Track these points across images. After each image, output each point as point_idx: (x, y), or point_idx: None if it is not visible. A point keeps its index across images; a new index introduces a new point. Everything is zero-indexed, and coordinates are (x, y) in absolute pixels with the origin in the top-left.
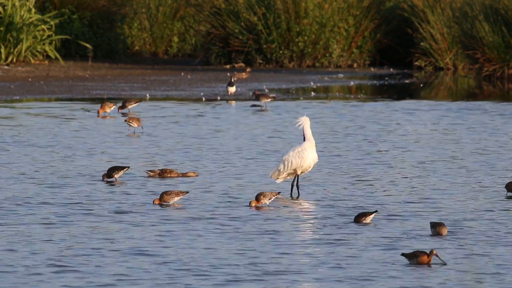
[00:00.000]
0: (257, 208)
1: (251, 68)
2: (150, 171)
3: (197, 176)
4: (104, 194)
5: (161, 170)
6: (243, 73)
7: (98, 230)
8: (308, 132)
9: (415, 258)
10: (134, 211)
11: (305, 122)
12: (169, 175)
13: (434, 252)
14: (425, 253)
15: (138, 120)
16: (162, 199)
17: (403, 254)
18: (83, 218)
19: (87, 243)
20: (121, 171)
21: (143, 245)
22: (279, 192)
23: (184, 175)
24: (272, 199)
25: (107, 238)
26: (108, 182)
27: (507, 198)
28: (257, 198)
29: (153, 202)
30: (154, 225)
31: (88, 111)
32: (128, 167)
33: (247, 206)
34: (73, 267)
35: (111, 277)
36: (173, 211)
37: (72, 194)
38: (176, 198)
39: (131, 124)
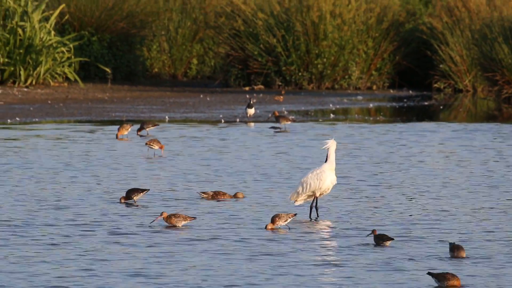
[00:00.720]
0: (274, 230)
1: (270, 89)
2: (203, 192)
3: (244, 197)
4: (117, 215)
5: (214, 192)
6: (280, 96)
7: (102, 251)
8: (332, 155)
9: (445, 280)
10: (139, 232)
11: (332, 145)
12: (222, 197)
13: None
14: (456, 276)
15: (158, 142)
16: (169, 221)
17: (430, 273)
18: (88, 239)
19: (89, 263)
20: (141, 193)
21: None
22: (296, 214)
23: (235, 196)
24: (288, 220)
25: (112, 259)
26: (126, 203)
27: None
28: (273, 221)
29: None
30: (172, 246)
31: (105, 133)
32: (148, 189)
33: (263, 229)
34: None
35: None
36: (190, 233)
37: (85, 216)
38: (184, 222)
39: (152, 146)
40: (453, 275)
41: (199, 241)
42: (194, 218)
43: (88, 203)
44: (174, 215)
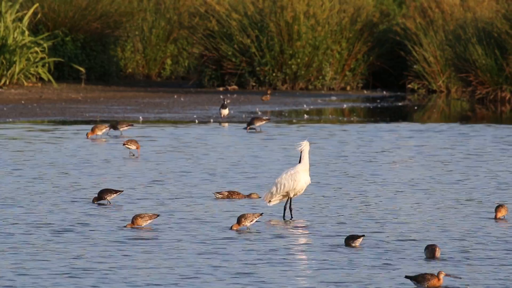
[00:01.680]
0: (239, 231)
1: (244, 89)
2: (218, 193)
3: (259, 197)
4: (88, 216)
5: (229, 192)
6: (267, 96)
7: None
8: (306, 156)
9: (425, 281)
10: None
11: (305, 146)
12: (236, 197)
13: (443, 273)
14: (435, 275)
15: (136, 142)
16: (135, 223)
17: (408, 277)
18: (55, 239)
19: (57, 264)
20: (114, 194)
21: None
22: (262, 213)
23: (248, 196)
24: (253, 221)
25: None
26: (99, 204)
27: (496, 221)
28: (239, 221)
29: (126, 226)
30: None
31: (78, 133)
32: (122, 191)
33: (229, 229)
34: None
35: None
36: (163, 234)
37: (57, 217)
38: (149, 221)
39: (129, 147)
40: (432, 275)
41: (164, 243)
42: (158, 215)
43: (58, 203)
44: (139, 215)
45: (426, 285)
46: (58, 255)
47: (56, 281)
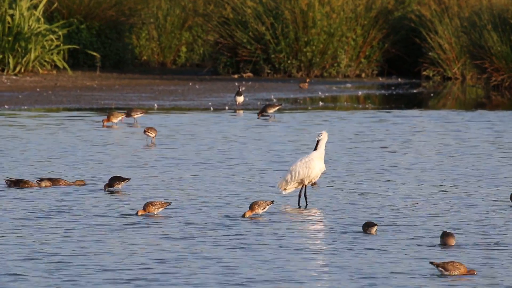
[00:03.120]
0: (253, 218)
1: (259, 77)
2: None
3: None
4: (101, 203)
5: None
6: (305, 83)
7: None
8: (322, 145)
9: (450, 269)
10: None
11: (324, 137)
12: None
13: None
14: (461, 264)
15: (155, 130)
16: (147, 210)
17: (432, 263)
18: (70, 225)
19: (71, 249)
20: (122, 182)
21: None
22: (273, 201)
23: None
24: (266, 208)
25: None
26: (108, 191)
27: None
28: (251, 208)
29: (137, 213)
30: (155, 231)
31: (94, 121)
32: (129, 179)
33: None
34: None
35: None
36: (175, 222)
37: (69, 203)
38: (161, 209)
39: (149, 134)
40: (460, 263)
41: (177, 231)
42: (170, 203)
43: (69, 192)
44: (151, 203)
45: (451, 273)
46: (67, 239)
47: (74, 263)
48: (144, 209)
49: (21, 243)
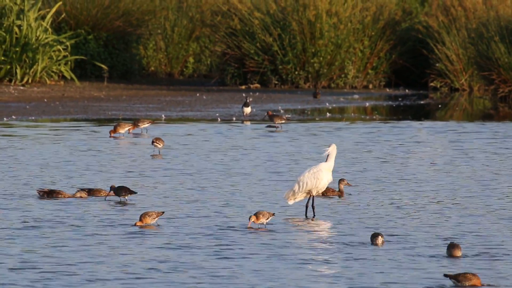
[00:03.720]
0: (257, 228)
1: (266, 88)
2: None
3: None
4: (102, 212)
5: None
6: (318, 94)
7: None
8: (333, 158)
9: (465, 280)
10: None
11: (333, 150)
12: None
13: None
14: (476, 275)
15: (163, 141)
16: (144, 221)
17: (447, 276)
18: (68, 236)
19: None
20: (129, 194)
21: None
22: (274, 214)
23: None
24: (269, 219)
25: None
26: (114, 201)
27: None
28: (257, 216)
29: (135, 224)
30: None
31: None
32: (136, 192)
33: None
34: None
35: None
36: (178, 231)
37: (70, 214)
38: (157, 218)
39: (157, 144)
40: (474, 274)
41: (184, 241)
42: (163, 212)
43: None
44: (147, 213)
45: (467, 284)
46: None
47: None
48: (140, 220)
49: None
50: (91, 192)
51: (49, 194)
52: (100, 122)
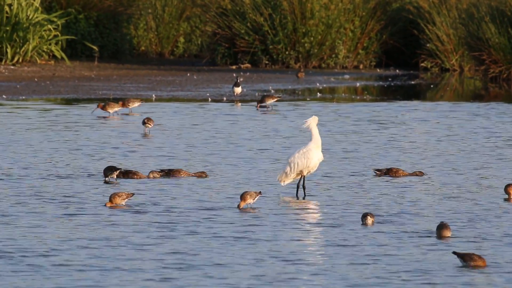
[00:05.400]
0: (245, 209)
1: (256, 68)
2: (377, 170)
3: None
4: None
5: (388, 169)
6: (302, 73)
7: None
8: (315, 132)
9: (471, 260)
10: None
11: (313, 122)
12: (395, 175)
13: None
14: (482, 257)
15: (153, 121)
16: (113, 201)
17: (455, 253)
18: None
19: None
20: (115, 172)
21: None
22: (261, 192)
23: (411, 174)
24: (256, 199)
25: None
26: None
27: (505, 200)
28: (244, 198)
29: (106, 205)
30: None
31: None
32: (120, 169)
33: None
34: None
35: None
36: (174, 211)
37: (60, 192)
38: (126, 199)
39: (148, 125)
40: (479, 256)
41: (174, 223)
42: (133, 194)
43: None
44: (116, 194)
45: (471, 264)
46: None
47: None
48: (110, 200)
49: None
50: (170, 172)
51: (125, 174)
52: (91, 101)
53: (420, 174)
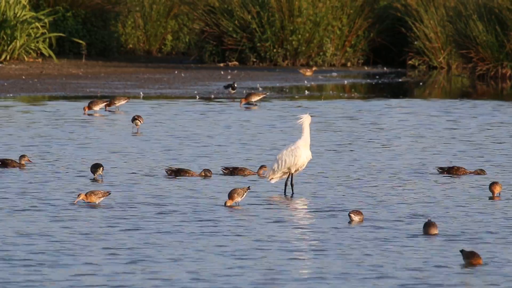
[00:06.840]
0: (233, 207)
1: (244, 65)
2: (440, 168)
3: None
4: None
5: (450, 167)
6: (308, 70)
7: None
8: (306, 131)
9: (470, 258)
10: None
11: (306, 120)
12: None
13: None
14: (479, 256)
15: (142, 119)
16: (89, 199)
17: (462, 251)
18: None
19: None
20: (101, 168)
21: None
22: (249, 187)
23: (474, 172)
24: (244, 195)
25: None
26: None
27: (489, 199)
28: (231, 197)
29: (79, 195)
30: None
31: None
32: (102, 167)
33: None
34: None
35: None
36: (166, 209)
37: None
38: (102, 198)
39: (138, 123)
40: (478, 255)
41: (167, 222)
42: (110, 193)
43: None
44: (92, 192)
45: (469, 262)
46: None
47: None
48: (86, 195)
49: None
50: (235, 170)
51: (177, 172)
52: (78, 99)
53: (482, 172)
